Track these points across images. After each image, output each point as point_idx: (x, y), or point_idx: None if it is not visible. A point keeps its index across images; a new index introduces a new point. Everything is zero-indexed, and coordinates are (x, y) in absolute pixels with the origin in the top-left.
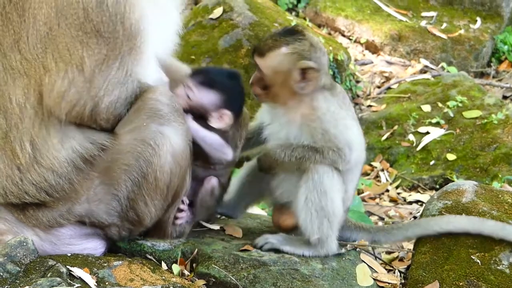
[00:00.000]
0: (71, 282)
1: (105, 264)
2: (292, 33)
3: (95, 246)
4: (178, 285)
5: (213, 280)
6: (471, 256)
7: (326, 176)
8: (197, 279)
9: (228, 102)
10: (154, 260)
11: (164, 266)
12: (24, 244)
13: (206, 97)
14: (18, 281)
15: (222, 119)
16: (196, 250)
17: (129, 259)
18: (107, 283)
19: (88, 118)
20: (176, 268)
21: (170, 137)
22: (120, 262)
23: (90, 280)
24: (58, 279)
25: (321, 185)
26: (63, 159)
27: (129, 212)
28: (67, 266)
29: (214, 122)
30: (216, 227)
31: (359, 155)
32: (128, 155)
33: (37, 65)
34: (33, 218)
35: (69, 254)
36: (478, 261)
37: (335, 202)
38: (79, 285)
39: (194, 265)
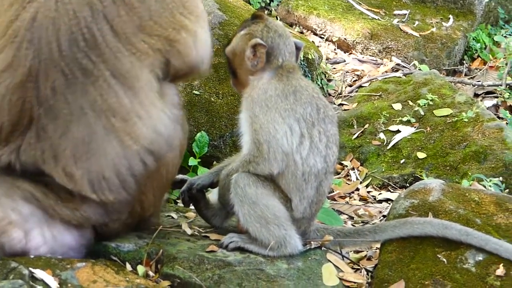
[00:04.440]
0: (33, 284)
1: (68, 266)
2: (252, 19)
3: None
4: (142, 286)
5: (178, 281)
6: (437, 255)
7: (248, 187)
8: (162, 280)
9: None
10: (119, 261)
11: (128, 267)
12: None
13: None
14: None
15: None
16: (161, 250)
17: (93, 261)
18: (69, 285)
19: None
20: (140, 269)
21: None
22: (84, 263)
23: (53, 282)
24: (20, 281)
25: (247, 197)
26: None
27: (135, 204)
28: (30, 268)
29: None
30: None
31: (292, 163)
32: None
33: (167, 33)
34: (76, 214)
35: (32, 256)
36: (444, 259)
37: (270, 206)
38: (41, 287)
39: (159, 266)
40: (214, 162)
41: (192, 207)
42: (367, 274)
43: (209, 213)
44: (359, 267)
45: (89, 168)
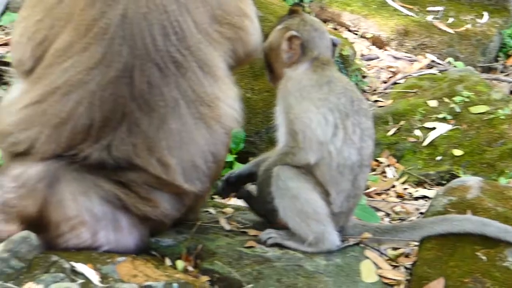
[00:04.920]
0: (74, 278)
1: (109, 260)
2: (289, 14)
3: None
4: (182, 281)
5: (217, 276)
6: (476, 253)
7: (290, 180)
8: (201, 275)
9: None
10: (158, 256)
11: (167, 262)
12: (28, 239)
13: None
14: (22, 277)
15: None
16: (200, 246)
17: (133, 255)
18: (110, 279)
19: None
20: (180, 264)
21: None
22: (124, 258)
23: (94, 276)
24: (62, 275)
25: (288, 190)
26: None
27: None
28: (70, 262)
29: None
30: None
31: (329, 154)
32: None
33: (234, 21)
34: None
35: (73, 250)
36: (483, 257)
37: (311, 200)
38: (83, 280)
39: (198, 261)
40: (250, 158)
41: (230, 202)
42: (406, 271)
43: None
44: (397, 264)
45: (182, 157)
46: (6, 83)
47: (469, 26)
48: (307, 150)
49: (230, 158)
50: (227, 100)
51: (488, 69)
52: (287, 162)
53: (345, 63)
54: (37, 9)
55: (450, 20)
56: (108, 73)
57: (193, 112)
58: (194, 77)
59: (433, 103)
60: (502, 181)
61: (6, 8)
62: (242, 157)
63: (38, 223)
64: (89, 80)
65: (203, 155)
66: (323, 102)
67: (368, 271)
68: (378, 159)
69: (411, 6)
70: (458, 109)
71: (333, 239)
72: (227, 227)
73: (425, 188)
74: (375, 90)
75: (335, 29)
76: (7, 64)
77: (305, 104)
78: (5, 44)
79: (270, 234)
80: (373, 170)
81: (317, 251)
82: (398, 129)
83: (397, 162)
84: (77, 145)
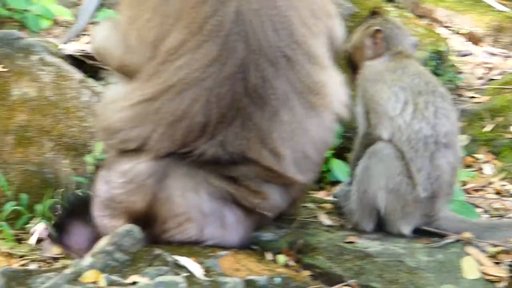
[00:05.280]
0: (178, 271)
1: (211, 254)
2: (370, 15)
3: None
4: (284, 275)
5: (318, 271)
6: None
7: (379, 162)
8: (302, 270)
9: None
10: (259, 250)
11: (269, 256)
12: (132, 233)
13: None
14: (126, 270)
15: None
16: (301, 240)
17: (235, 249)
18: (213, 273)
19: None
20: (281, 258)
21: None
22: (226, 252)
23: (197, 270)
24: (165, 268)
25: (377, 174)
26: None
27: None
28: (174, 256)
29: None
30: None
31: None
32: None
33: (326, 15)
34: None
35: (175, 244)
36: None
37: (397, 183)
38: (186, 274)
39: (299, 255)
40: (346, 155)
41: (330, 198)
42: (508, 268)
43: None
44: (498, 261)
45: (294, 147)
46: (101, 79)
47: None
48: (379, 126)
49: (327, 153)
50: (334, 86)
51: None
52: (367, 144)
53: (441, 59)
54: (143, 8)
55: None
56: (224, 70)
57: (303, 103)
58: (302, 70)
59: None
60: None
61: (102, 5)
62: (339, 153)
63: (144, 218)
64: (206, 78)
65: (314, 144)
66: (396, 82)
67: (470, 268)
68: (475, 155)
69: (505, 2)
70: None
71: (409, 226)
72: (327, 222)
73: None
74: (470, 86)
75: (429, 24)
76: None
77: (378, 86)
78: None
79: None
80: (470, 166)
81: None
82: (495, 126)
83: (495, 158)
84: (192, 142)
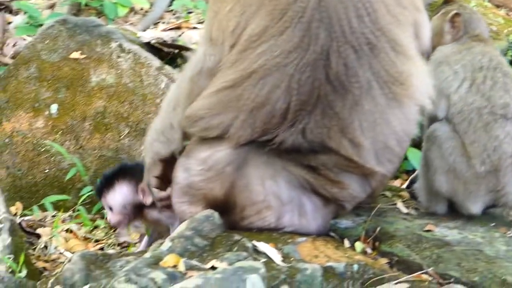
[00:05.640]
0: (257, 257)
1: (290, 240)
2: (444, 3)
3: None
4: (362, 262)
5: (396, 259)
6: None
7: (442, 142)
8: (379, 257)
9: (135, 178)
10: (337, 237)
11: (346, 243)
12: (211, 218)
13: (118, 196)
14: (205, 255)
15: (147, 193)
16: (379, 228)
17: (313, 236)
18: (292, 259)
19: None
20: (359, 245)
21: None
22: (304, 238)
23: (276, 256)
24: (245, 253)
25: (438, 153)
26: None
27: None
28: (253, 241)
29: (147, 201)
30: None
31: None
32: None
33: (413, 5)
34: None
35: (254, 230)
36: None
37: (457, 162)
38: (265, 260)
39: (376, 243)
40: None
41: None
42: None
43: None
44: None
45: (375, 138)
46: (178, 66)
47: None
48: (437, 105)
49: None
50: (420, 76)
51: None
52: (425, 123)
53: None
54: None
55: None
56: (306, 56)
57: (386, 93)
58: (386, 58)
59: None
60: None
61: None
62: (415, 142)
63: (223, 205)
64: (287, 64)
65: (396, 135)
66: (458, 61)
67: None
68: None
69: None
70: None
71: (475, 205)
72: (405, 210)
73: None
74: None
75: (508, 14)
76: (179, 47)
77: (441, 67)
78: (178, 28)
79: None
80: None
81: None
82: None
83: None
84: (272, 130)
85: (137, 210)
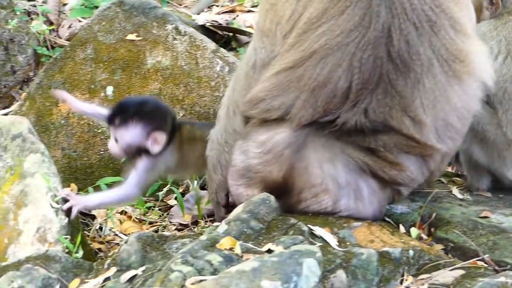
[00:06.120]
0: (313, 241)
1: (345, 225)
2: None
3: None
4: (417, 248)
5: (451, 245)
6: None
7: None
8: (434, 243)
9: (151, 125)
10: (392, 222)
11: (402, 229)
12: (267, 202)
13: (128, 134)
14: (261, 238)
15: (157, 142)
16: (434, 214)
17: (369, 221)
18: (348, 243)
19: None
20: (414, 231)
21: None
22: (360, 223)
23: (332, 240)
24: (301, 237)
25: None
26: None
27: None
28: (308, 225)
29: (154, 149)
30: None
31: None
32: None
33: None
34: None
35: (309, 214)
36: None
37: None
38: (321, 244)
39: (431, 229)
40: None
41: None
42: None
43: None
44: None
45: (436, 115)
46: (233, 49)
47: None
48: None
49: None
50: (480, 54)
51: None
52: None
53: None
54: None
55: None
56: (367, 34)
57: (446, 70)
58: (446, 36)
59: None
60: None
61: None
62: None
63: (280, 188)
64: (349, 42)
65: (457, 112)
66: (494, 37)
67: None
68: None
69: None
70: None
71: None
72: (460, 196)
73: None
74: None
75: None
76: (234, 30)
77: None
78: (232, 11)
79: None
80: None
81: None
82: None
83: None
84: (334, 110)
85: (138, 152)
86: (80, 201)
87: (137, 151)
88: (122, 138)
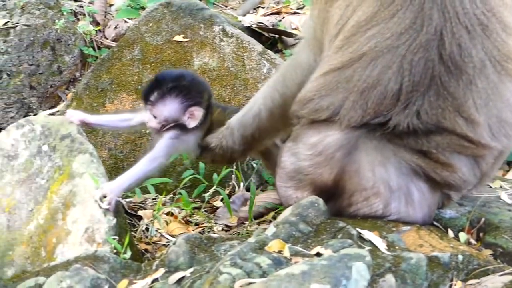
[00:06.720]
0: (361, 244)
1: (394, 229)
2: None
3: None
4: (467, 253)
5: (500, 250)
6: None
7: None
8: (483, 249)
9: (189, 100)
10: (441, 227)
11: (450, 233)
12: (316, 204)
13: (166, 109)
14: (309, 241)
15: (194, 117)
16: (483, 219)
17: (417, 225)
18: (396, 247)
19: None
20: (463, 236)
21: None
22: (409, 227)
23: (381, 244)
24: (349, 240)
25: None
26: None
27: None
28: (357, 229)
29: (190, 124)
30: None
31: None
32: None
33: None
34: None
35: (358, 217)
36: None
37: None
38: (370, 247)
39: (480, 234)
40: None
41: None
42: None
43: None
44: None
45: (489, 112)
46: (279, 51)
47: None
48: None
49: None
50: None
51: None
52: None
53: None
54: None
55: None
56: (418, 37)
57: (499, 70)
58: (498, 38)
59: None
60: None
61: None
62: None
63: (330, 191)
64: (399, 45)
65: (510, 108)
66: None
67: None
68: None
69: None
70: None
71: None
72: (509, 201)
73: None
74: None
75: None
76: (280, 32)
77: None
78: (277, 13)
79: None
80: None
81: None
82: None
83: None
84: (385, 112)
85: (174, 126)
86: (113, 189)
87: (173, 127)
88: (161, 114)
